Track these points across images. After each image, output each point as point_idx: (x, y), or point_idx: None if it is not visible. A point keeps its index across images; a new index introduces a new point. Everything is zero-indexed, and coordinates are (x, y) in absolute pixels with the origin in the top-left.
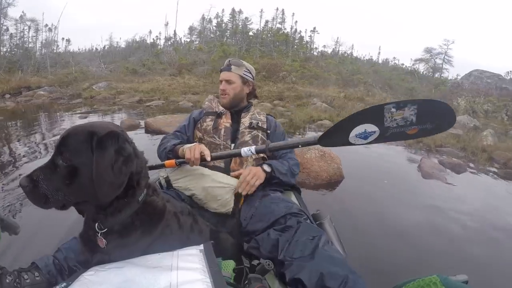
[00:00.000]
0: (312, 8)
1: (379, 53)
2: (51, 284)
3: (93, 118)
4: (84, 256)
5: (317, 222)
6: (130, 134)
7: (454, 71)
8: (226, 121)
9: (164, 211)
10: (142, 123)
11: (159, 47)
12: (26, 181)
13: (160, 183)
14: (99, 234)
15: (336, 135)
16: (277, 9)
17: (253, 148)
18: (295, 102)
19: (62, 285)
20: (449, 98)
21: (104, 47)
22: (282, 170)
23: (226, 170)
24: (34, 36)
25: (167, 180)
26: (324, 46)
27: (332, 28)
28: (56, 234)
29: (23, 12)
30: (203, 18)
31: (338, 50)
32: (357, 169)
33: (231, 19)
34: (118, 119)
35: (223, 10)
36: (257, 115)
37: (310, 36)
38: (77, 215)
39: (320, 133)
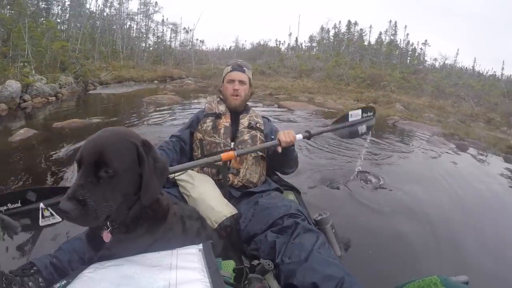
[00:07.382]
0: (426, 19)
1: (502, 68)
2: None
3: None
4: (89, 254)
5: (316, 227)
6: (273, 108)
7: None
8: (225, 121)
9: (167, 210)
10: (276, 105)
11: (282, 51)
12: (72, 204)
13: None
14: (107, 230)
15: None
16: (390, 21)
17: (299, 136)
18: (385, 106)
19: (62, 283)
20: None
21: (230, 47)
22: (294, 153)
23: (224, 167)
24: (174, 37)
25: (173, 181)
26: (435, 60)
27: (453, 39)
28: (56, 233)
29: (163, 16)
30: (321, 28)
31: (445, 63)
32: None
33: (347, 31)
34: (258, 101)
35: (339, 22)
36: (255, 117)
37: (421, 48)
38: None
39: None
